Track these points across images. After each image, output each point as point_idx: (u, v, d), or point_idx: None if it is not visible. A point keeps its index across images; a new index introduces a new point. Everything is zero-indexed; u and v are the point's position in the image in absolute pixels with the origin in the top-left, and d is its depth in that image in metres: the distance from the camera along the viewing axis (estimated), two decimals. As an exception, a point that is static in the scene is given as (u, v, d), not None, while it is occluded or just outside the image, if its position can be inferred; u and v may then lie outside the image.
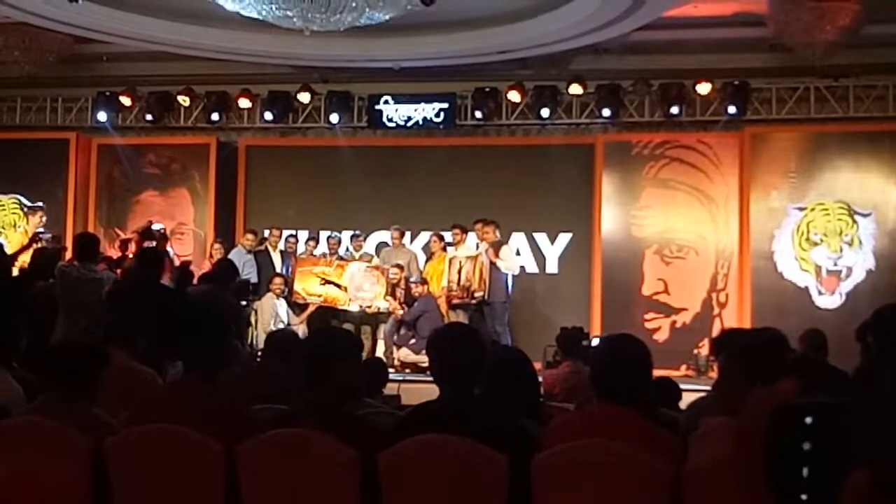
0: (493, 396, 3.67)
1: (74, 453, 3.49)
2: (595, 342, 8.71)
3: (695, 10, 10.59)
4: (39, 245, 8.79)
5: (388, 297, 11.17)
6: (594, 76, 12.07)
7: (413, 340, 10.67)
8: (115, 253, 11.00)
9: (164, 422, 3.47)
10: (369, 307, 11.30)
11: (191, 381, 3.69)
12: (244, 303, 9.66)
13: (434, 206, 12.40)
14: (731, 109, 11.68)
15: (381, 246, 12.38)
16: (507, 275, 10.94)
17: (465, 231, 11.20)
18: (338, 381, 3.42)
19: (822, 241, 11.33)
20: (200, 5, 9.81)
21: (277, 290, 11.01)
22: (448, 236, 11.35)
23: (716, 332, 11.25)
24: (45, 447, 3.52)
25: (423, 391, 3.82)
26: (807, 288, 11.32)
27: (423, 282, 11.01)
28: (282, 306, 11.02)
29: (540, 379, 4.31)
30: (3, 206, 13.35)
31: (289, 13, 8.73)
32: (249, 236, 11.84)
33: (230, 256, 10.85)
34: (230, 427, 3.43)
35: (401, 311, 11.02)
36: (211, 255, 11.60)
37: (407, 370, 10.39)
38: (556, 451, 3.17)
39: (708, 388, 4.98)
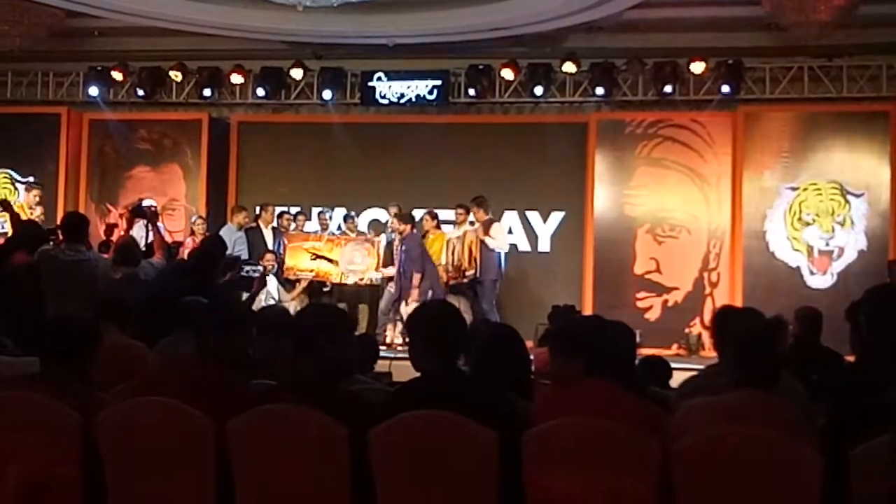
0: (484, 374, 3.67)
1: (65, 429, 3.47)
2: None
3: (689, -12, 10.57)
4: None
5: (381, 269, 11.18)
6: (588, 54, 12.03)
7: (407, 318, 10.65)
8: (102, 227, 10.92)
9: (158, 396, 3.46)
10: (361, 279, 11.30)
11: (190, 357, 3.69)
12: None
13: (426, 184, 12.39)
14: (725, 88, 11.64)
15: (374, 223, 12.38)
16: (498, 253, 10.93)
17: (468, 211, 11.14)
18: (325, 358, 3.41)
19: (814, 221, 11.34)
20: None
21: (268, 267, 10.97)
22: (442, 214, 11.33)
23: (707, 311, 11.32)
24: (36, 423, 3.51)
25: (415, 368, 3.81)
26: (798, 268, 11.34)
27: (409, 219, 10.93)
28: (272, 283, 10.99)
29: (532, 357, 4.31)
30: (-5, 180, 13.30)
31: (282, -12, 8.67)
32: (241, 213, 11.80)
33: (221, 233, 10.80)
34: (228, 402, 3.42)
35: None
36: (192, 232, 11.48)
37: (399, 347, 10.39)
38: (545, 428, 3.17)
39: (699, 366, 4.99)
